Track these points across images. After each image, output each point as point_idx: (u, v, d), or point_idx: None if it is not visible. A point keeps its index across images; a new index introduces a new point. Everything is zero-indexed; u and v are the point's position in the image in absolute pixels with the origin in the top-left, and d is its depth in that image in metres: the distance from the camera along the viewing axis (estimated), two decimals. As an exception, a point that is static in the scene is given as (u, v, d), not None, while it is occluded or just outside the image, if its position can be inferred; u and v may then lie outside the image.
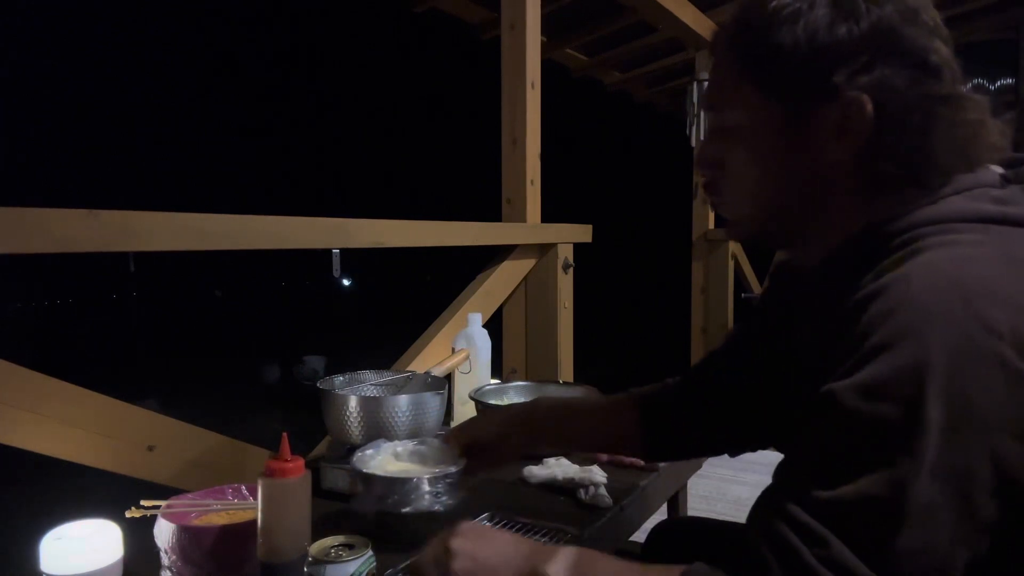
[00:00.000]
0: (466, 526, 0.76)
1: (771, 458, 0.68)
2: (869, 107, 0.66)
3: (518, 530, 1.03)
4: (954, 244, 0.62)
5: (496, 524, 1.06)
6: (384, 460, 1.04)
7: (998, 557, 0.57)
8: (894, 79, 0.66)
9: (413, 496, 0.95)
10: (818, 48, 0.66)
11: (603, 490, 1.17)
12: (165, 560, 0.91)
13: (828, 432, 0.59)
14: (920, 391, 0.54)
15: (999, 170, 0.70)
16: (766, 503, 0.61)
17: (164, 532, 0.91)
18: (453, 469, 0.99)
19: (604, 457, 1.32)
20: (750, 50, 0.71)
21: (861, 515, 0.55)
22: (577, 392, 1.51)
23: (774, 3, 0.68)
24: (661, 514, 1.46)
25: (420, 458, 1.05)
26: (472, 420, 1.17)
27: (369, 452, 1.03)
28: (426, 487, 0.96)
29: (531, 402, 1.11)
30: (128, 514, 0.96)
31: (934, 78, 0.67)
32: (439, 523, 0.82)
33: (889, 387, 0.56)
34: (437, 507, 0.97)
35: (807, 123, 0.69)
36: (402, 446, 1.07)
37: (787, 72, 0.68)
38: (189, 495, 1.02)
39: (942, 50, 0.69)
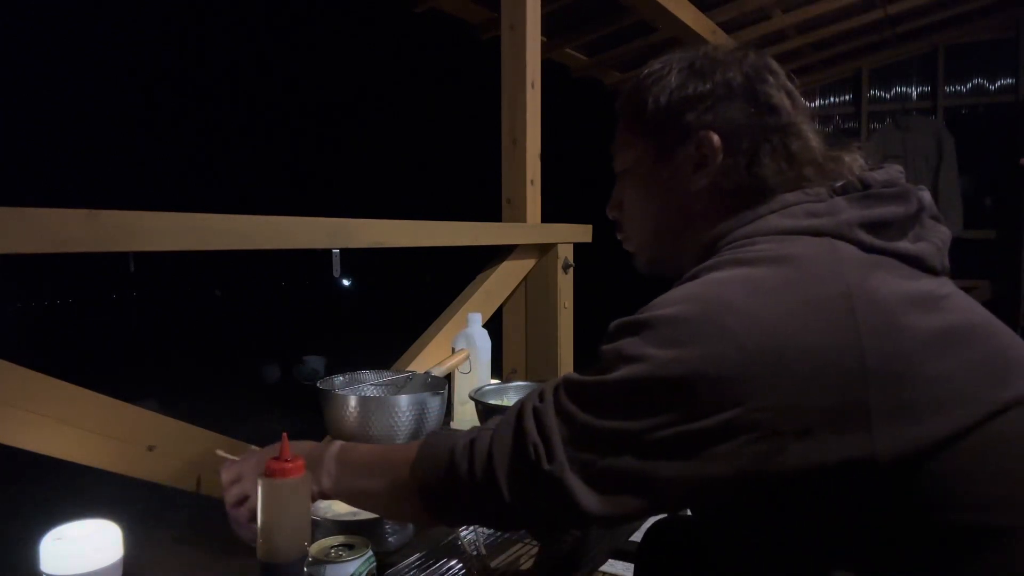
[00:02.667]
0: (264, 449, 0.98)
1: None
2: (716, 139, 0.82)
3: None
4: (742, 252, 0.74)
5: None
6: (333, 500, 1.01)
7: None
8: (734, 115, 0.82)
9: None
10: (673, 100, 0.84)
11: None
12: None
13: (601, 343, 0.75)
14: (649, 336, 0.68)
15: (831, 185, 0.79)
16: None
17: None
18: None
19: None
20: (628, 108, 0.91)
21: (575, 392, 0.71)
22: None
23: (644, 72, 0.89)
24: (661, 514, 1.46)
25: None
26: None
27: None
28: (377, 528, 0.96)
29: None
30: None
31: (770, 113, 0.81)
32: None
33: (633, 326, 0.70)
34: (389, 547, 0.96)
35: (672, 158, 0.85)
36: None
37: (652, 119, 0.87)
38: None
39: (780, 95, 0.83)
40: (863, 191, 0.77)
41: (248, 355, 8.46)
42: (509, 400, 1.53)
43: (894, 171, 0.80)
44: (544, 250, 2.15)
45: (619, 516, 0.68)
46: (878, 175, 0.79)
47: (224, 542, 1.04)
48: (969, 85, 5.08)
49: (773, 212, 0.78)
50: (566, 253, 2.18)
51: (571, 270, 2.19)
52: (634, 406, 0.66)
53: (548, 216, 2.22)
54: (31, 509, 3.56)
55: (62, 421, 1.07)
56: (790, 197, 0.79)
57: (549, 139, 2.22)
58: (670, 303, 0.70)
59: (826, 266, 0.69)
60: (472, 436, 0.76)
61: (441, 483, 0.75)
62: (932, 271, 0.76)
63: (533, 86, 2.13)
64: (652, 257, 0.94)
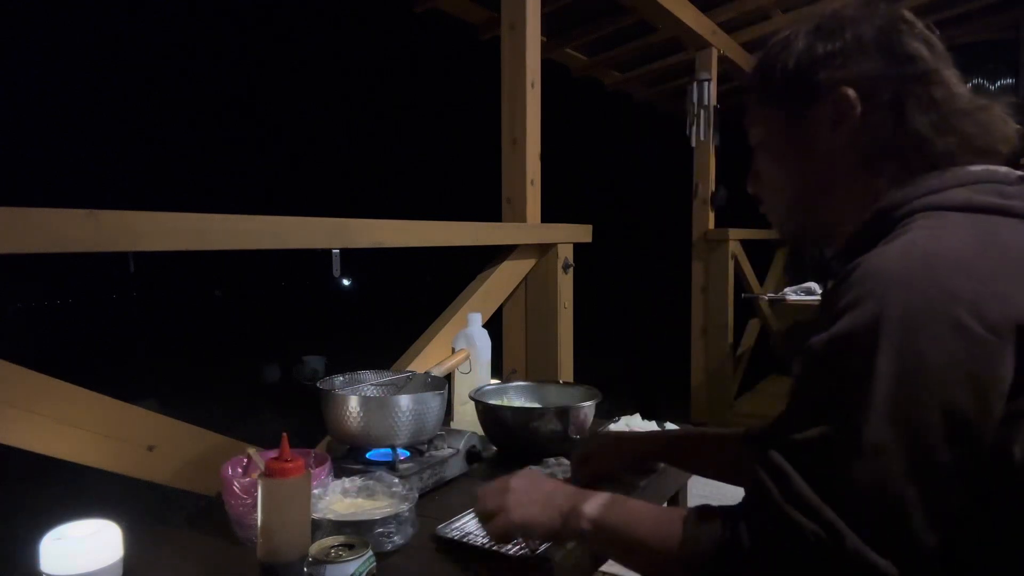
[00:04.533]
0: (523, 471, 0.94)
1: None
2: (852, 94, 0.79)
3: None
4: (938, 226, 0.70)
5: None
6: (332, 500, 1.02)
7: (974, 530, 0.63)
8: (870, 68, 0.79)
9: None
10: (802, 63, 0.82)
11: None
12: None
13: (801, 380, 0.69)
14: (874, 343, 0.62)
15: (1017, 172, 0.76)
16: (758, 447, 0.71)
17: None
18: (405, 507, 0.99)
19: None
20: (758, 79, 0.88)
21: (818, 453, 0.64)
22: (578, 393, 1.51)
23: (771, 41, 0.87)
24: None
25: (369, 493, 1.04)
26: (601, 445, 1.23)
27: (317, 492, 1.01)
28: (377, 528, 0.95)
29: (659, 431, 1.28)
30: None
31: (908, 63, 0.78)
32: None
33: (849, 340, 0.64)
34: (388, 546, 0.96)
35: (806, 121, 0.83)
36: (350, 482, 1.05)
37: (781, 86, 0.84)
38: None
39: (917, 44, 0.79)
40: None
41: (248, 355, 8.46)
42: (509, 400, 1.53)
43: None
44: (544, 250, 2.15)
45: (921, 567, 0.61)
46: None
47: (224, 542, 1.04)
48: (969, 85, 5.04)
49: (962, 185, 0.74)
50: (566, 253, 2.18)
51: (571, 270, 2.19)
52: (896, 435, 0.61)
53: (548, 216, 2.22)
54: (31, 509, 3.56)
55: (62, 421, 1.07)
56: (977, 171, 0.75)
57: (549, 139, 2.22)
58: (876, 294, 0.64)
59: None
60: (727, 535, 0.69)
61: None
62: None
63: (533, 86, 2.13)
64: (798, 230, 0.90)
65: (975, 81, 5.34)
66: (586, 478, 1.15)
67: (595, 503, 0.84)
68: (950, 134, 0.77)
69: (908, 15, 0.82)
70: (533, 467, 1.23)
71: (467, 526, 1.04)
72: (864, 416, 0.61)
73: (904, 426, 0.61)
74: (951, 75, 0.79)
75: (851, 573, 0.61)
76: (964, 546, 0.63)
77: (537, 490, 0.90)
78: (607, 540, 0.82)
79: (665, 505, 0.88)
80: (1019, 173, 0.76)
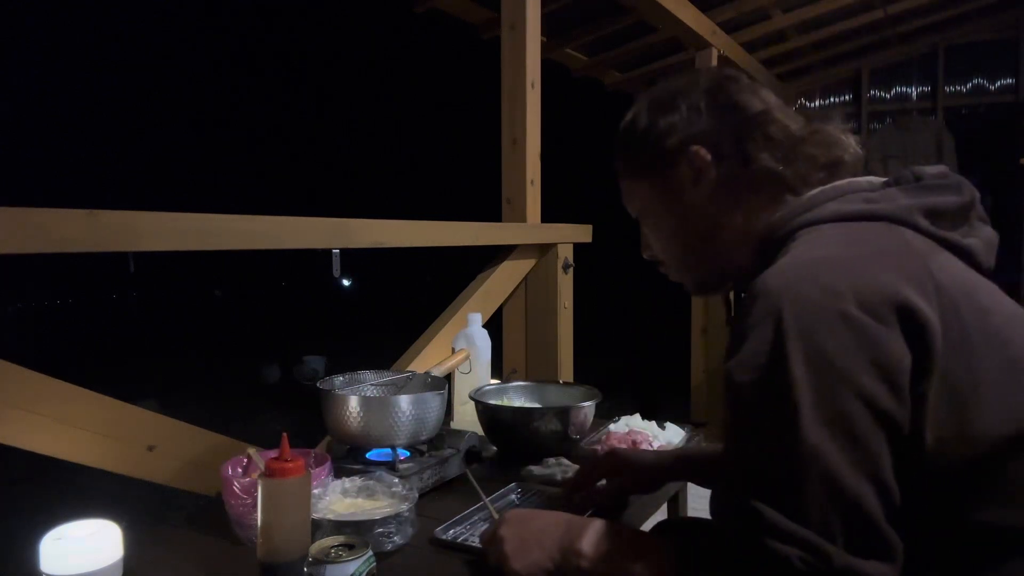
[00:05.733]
0: (511, 513, 0.91)
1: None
2: (701, 150, 0.88)
3: None
4: (815, 238, 0.77)
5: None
6: (332, 500, 1.02)
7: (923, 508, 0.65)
8: (707, 126, 0.88)
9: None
10: (650, 137, 0.91)
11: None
12: None
13: (733, 408, 0.70)
14: (782, 353, 0.65)
15: (879, 180, 0.83)
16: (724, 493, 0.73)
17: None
18: (405, 507, 0.99)
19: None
20: (620, 160, 0.98)
21: (772, 477, 0.65)
22: (578, 393, 1.51)
23: (620, 127, 0.96)
24: (661, 514, 1.47)
25: (369, 493, 1.04)
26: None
27: (317, 492, 1.01)
28: (377, 528, 0.95)
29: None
30: None
31: (739, 112, 0.87)
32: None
33: (759, 357, 0.67)
34: (388, 546, 0.96)
35: (670, 183, 0.91)
36: (350, 482, 1.05)
37: (639, 160, 0.94)
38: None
39: (743, 95, 0.88)
40: (916, 182, 0.80)
41: (248, 355, 8.46)
42: (509, 400, 1.53)
43: (943, 167, 0.83)
44: (544, 250, 2.15)
45: (899, 563, 0.63)
46: (930, 169, 0.81)
47: (224, 542, 1.04)
48: (969, 85, 5.08)
49: (831, 200, 0.80)
50: (566, 253, 2.18)
51: (571, 270, 2.19)
52: (835, 437, 0.63)
53: (548, 216, 2.22)
54: (31, 509, 3.56)
55: (62, 421, 1.07)
56: (842, 185, 0.82)
57: (549, 139, 2.22)
58: (772, 309, 0.68)
59: (899, 246, 0.73)
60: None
61: None
62: (978, 268, 0.78)
63: (533, 86, 2.13)
64: (698, 279, 0.97)
65: (975, 81, 5.35)
66: (583, 501, 1.12)
67: (591, 535, 0.83)
68: (795, 161, 0.85)
69: (730, 72, 0.93)
70: (515, 501, 1.19)
71: (465, 530, 1.04)
72: (796, 423, 0.63)
73: (834, 423, 0.63)
74: (781, 112, 0.88)
75: None
76: (919, 538, 0.65)
77: (527, 531, 0.87)
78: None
79: (664, 514, 0.87)
80: (883, 179, 0.82)
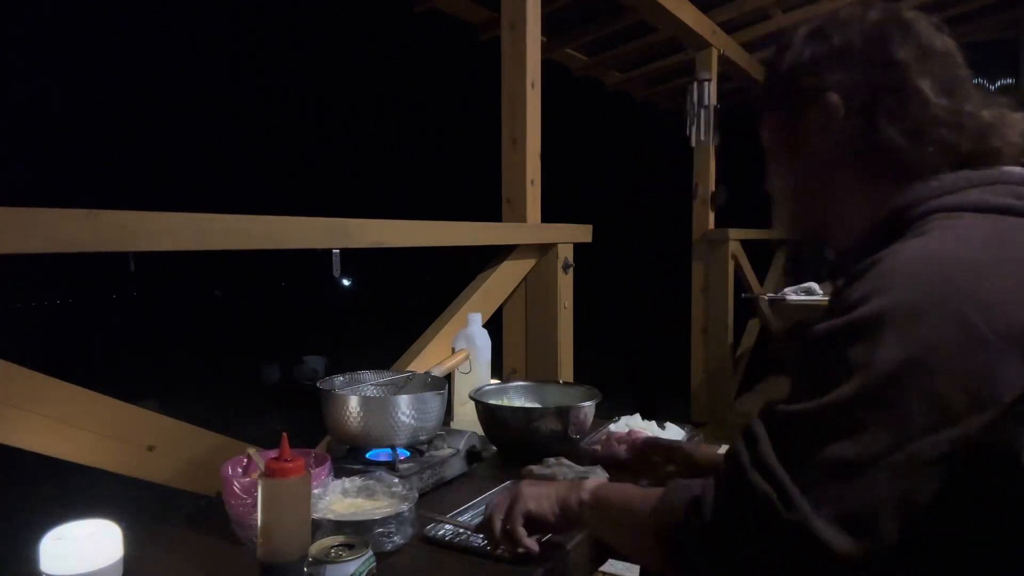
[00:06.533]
0: (529, 479, 1.01)
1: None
2: (836, 99, 0.81)
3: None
4: (953, 227, 0.70)
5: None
6: (332, 500, 1.02)
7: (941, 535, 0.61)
8: (847, 75, 0.80)
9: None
10: (793, 66, 0.85)
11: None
12: None
13: (797, 361, 0.69)
14: (877, 334, 0.62)
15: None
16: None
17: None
18: (405, 507, 0.99)
19: (603, 455, 1.33)
20: (764, 82, 0.93)
21: (796, 425, 0.64)
22: (578, 393, 1.51)
23: (778, 45, 0.90)
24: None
25: (369, 493, 1.04)
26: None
27: (317, 492, 1.01)
28: (377, 528, 0.95)
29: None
30: None
31: (884, 71, 0.79)
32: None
33: (852, 328, 0.64)
34: (388, 546, 0.96)
35: (798, 125, 0.86)
36: (350, 482, 1.05)
37: (777, 90, 0.89)
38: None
39: (903, 49, 0.79)
40: None
41: (248, 355, 8.46)
42: (509, 400, 1.53)
43: None
44: (544, 250, 2.15)
45: (875, 553, 0.61)
46: None
47: (224, 542, 1.04)
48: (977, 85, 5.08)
49: (976, 186, 0.74)
50: (566, 253, 2.18)
51: (571, 270, 2.19)
52: (880, 420, 0.60)
53: (548, 216, 2.22)
54: (31, 509, 3.56)
55: (62, 421, 1.07)
56: (992, 173, 0.75)
57: (549, 139, 2.22)
58: (888, 288, 0.64)
59: None
60: (698, 493, 0.71)
61: (680, 539, 0.71)
62: None
63: (533, 86, 2.13)
64: (796, 230, 0.93)
65: (975, 81, 5.33)
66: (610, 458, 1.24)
67: (595, 481, 0.91)
68: (926, 144, 0.77)
69: (907, 15, 0.81)
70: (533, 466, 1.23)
71: (458, 526, 1.04)
72: (852, 397, 0.61)
73: (888, 411, 0.61)
74: (928, 85, 0.77)
75: (794, 542, 0.61)
76: (928, 541, 0.62)
77: (543, 484, 0.95)
78: (602, 512, 0.86)
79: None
80: None
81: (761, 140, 0.95)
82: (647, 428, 1.50)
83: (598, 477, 1.15)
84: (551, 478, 1.24)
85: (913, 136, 0.77)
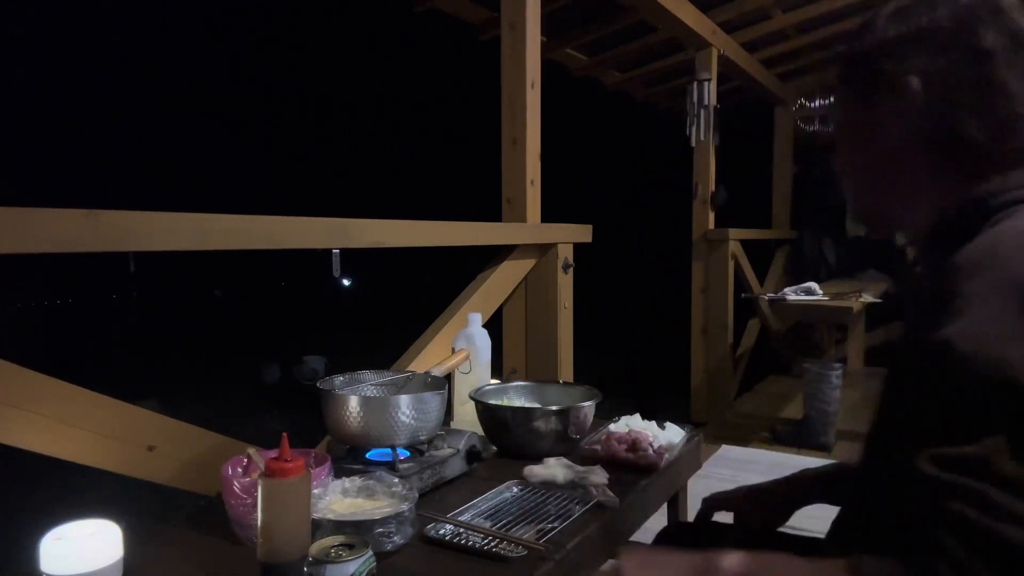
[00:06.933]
0: (634, 551, 0.85)
1: (769, 457, 0.69)
2: (916, 84, 0.77)
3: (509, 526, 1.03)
4: None
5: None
6: (332, 500, 1.02)
7: None
8: (930, 61, 0.76)
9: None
10: (875, 45, 0.81)
11: (606, 490, 1.17)
12: None
13: (941, 381, 0.63)
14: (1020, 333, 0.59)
15: None
16: (905, 475, 0.64)
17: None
18: (405, 507, 0.99)
19: (605, 456, 1.33)
20: (843, 57, 0.87)
21: (998, 465, 0.58)
22: (578, 393, 1.51)
23: (863, 20, 0.84)
24: (661, 514, 1.46)
25: (369, 493, 1.04)
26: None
27: (317, 492, 1.01)
28: (377, 528, 0.95)
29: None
30: None
31: (971, 60, 0.75)
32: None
33: (995, 329, 0.60)
34: (388, 546, 0.96)
35: (872, 106, 0.82)
36: (350, 482, 1.05)
37: (856, 66, 0.84)
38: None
39: (992, 37, 0.74)
40: None
41: (248, 355, 8.46)
42: (509, 400, 1.53)
43: None
44: (544, 250, 2.15)
45: None
46: None
47: (224, 542, 1.04)
48: None
49: None
50: (566, 253, 2.18)
51: (571, 270, 2.20)
52: None
53: (548, 216, 2.22)
54: (31, 509, 3.56)
55: (62, 421, 1.07)
56: None
57: (549, 139, 2.22)
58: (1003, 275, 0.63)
59: None
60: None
61: None
62: None
63: (533, 86, 2.13)
64: (864, 215, 0.91)
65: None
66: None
67: (732, 558, 0.72)
68: (1008, 140, 0.75)
69: (1004, 2, 0.76)
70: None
71: (458, 525, 1.04)
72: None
73: None
74: (1020, 76, 0.74)
75: None
76: None
77: (654, 562, 0.81)
78: None
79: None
80: None
81: (833, 115, 0.93)
82: (647, 428, 1.50)
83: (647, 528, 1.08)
84: (553, 480, 1.24)
85: (994, 133, 0.75)
